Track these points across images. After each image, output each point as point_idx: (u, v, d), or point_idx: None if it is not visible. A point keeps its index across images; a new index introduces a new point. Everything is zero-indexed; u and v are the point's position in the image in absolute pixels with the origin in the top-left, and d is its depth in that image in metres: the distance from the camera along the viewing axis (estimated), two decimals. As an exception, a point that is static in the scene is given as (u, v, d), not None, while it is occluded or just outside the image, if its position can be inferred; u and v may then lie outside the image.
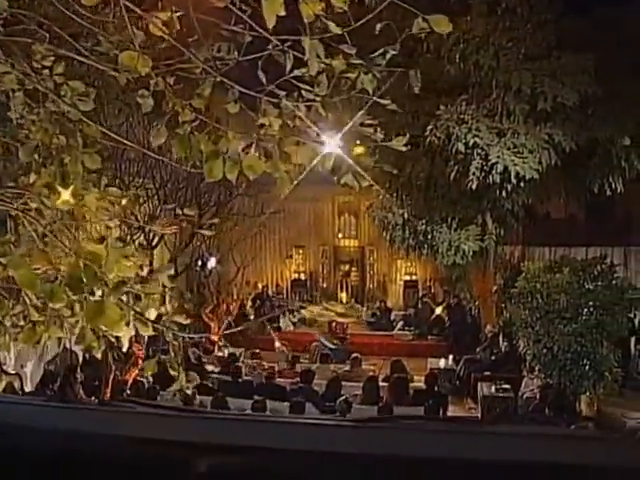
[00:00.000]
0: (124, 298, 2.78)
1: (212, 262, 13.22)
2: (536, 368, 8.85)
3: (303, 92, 2.61)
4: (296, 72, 2.24)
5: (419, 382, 9.99)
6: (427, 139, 9.34)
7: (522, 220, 11.86)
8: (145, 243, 9.48)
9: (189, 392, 2.78)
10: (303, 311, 16.15)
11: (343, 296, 17.19)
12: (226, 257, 14.36)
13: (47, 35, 2.81)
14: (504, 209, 10.74)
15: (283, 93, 2.58)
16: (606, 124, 9.37)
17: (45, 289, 2.28)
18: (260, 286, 16.80)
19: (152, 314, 2.63)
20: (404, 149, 2.55)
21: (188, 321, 3.12)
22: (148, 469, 1.16)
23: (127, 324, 2.79)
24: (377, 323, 15.27)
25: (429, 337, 14.40)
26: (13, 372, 9.17)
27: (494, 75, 9.13)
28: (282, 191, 2.61)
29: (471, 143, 8.85)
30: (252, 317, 15.43)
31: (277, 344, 12.20)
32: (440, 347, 13.35)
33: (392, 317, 15.56)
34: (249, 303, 15.88)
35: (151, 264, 9.90)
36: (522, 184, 9.23)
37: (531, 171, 8.92)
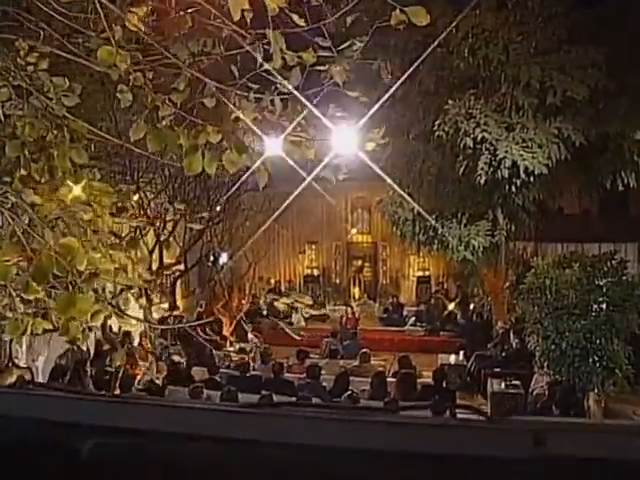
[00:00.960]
0: (109, 290, 2.82)
1: (224, 258, 13.27)
2: (544, 365, 8.78)
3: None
4: (266, 66, 2.23)
5: (428, 378, 9.96)
6: (435, 134, 9.30)
7: (534, 216, 11.78)
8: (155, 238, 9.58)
9: (158, 382, 2.80)
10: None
11: (356, 292, 17.20)
12: (238, 253, 14.41)
13: (40, 32, 2.85)
14: (515, 204, 10.67)
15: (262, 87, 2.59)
16: (617, 118, 9.26)
17: (21, 280, 2.31)
18: (273, 282, 16.85)
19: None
20: (382, 142, 2.54)
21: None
22: (32, 449, 1.20)
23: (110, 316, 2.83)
24: (389, 319, 15.24)
25: (441, 333, 14.36)
26: (24, 366, 9.32)
27: (503, 69, 9.05)
28: (260, 184, 2.62)
29: (479, 138, 8.80)
30: (265, 312, 15.49)
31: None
32: (452, 343, 13.28)
33: (404, 313, 15.53)
34: (262, 299, 15.94)
35: (161, 259, 10.02)
36: (532, 179, 9.14)
37: (540, 166, 8.84)
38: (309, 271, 17.74)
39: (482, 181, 9.03)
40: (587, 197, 12.33)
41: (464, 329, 13.71)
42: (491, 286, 12.70)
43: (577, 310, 8.38)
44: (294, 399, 8.22)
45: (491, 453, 1.15)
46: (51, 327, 2.89)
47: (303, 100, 2.58)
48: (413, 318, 15.10)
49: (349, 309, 14.28)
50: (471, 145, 8.89)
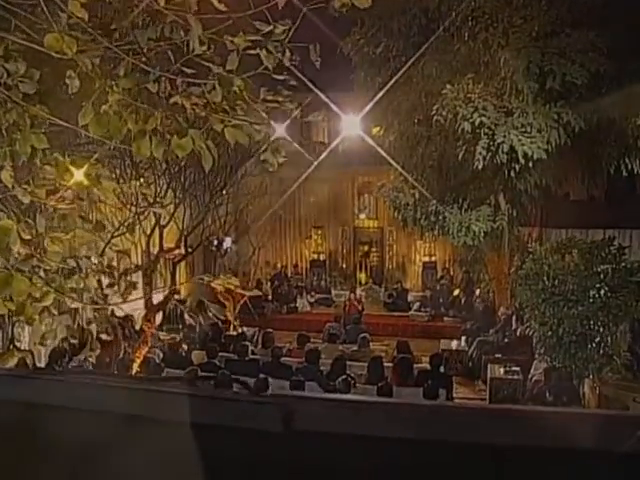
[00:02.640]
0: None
1: (227, 242, 13.32)
2: (541, 351, 8.77)
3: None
4: (197, 51, 2.23)
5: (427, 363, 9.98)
6: (433, 118, 9.25)
7: (537, 201, 11.70)
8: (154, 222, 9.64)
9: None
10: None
11: (362, 277, 17.22)
12: (243, 237, 14.48)
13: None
14: (517, 190, 10.59)
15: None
16: (620, 103, 9.12)
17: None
18: (279, 266, 16.91)
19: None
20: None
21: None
22: None
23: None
24: (394, 304, 15.26)
25: (445, 319, 14.36)
26: (27, 349, 9.43)
27: (503, 53, 8.95)
28: (206, 166, 2.63)
29: (477, 122, 8.71)
30: (270, 297, 15.57)
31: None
32: (455, 329, 13.27)
33: (409, 298, 15.54)
34: (267, 283, 16.01)
35: (161, 243, 10.08)
36: (531, 164, 9.06)
37: (539, 151, 8.75)
38: (315, 256, 17.76)
39: (480, 166, 8.96)
40: (593, 183, 12.18)
41: (468, 315, 13.70)
42: (495, 272, 12.66)
43: (574, 296, 8.34)
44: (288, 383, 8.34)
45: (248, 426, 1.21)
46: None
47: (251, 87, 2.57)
48: (418, 303, 15.10)
49: (352, 294, 14.28)
50: (469, 130, 8.82)
